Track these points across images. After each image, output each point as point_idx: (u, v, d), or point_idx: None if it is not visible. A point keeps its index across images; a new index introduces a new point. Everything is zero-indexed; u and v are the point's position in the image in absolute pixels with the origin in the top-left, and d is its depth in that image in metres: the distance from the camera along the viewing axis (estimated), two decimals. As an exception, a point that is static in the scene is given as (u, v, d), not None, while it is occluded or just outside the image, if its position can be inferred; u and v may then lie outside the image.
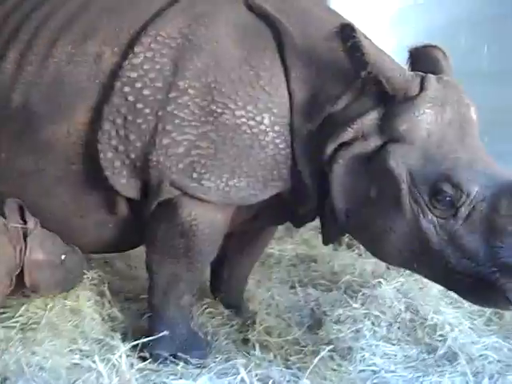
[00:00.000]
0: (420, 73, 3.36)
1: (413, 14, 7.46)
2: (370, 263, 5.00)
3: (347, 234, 5.30)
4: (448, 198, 3.12)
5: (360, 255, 5.31)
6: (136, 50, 3.43)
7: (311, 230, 5.68)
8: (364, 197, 3.33)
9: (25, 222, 3.55)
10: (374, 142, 3.31)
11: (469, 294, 3.19)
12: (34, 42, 3.57)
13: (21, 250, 3.57)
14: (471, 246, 3.06)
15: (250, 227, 4.00)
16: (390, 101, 3.31)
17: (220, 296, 4.36)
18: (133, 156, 3.45)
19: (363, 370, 3.54)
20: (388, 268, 4.90)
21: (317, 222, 5.67)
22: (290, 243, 5.52)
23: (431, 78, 3.33)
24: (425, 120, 3.24)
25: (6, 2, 3.79)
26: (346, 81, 3.40)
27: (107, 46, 3.50)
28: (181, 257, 3.60)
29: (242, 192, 3.45)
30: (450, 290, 3.38)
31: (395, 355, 3.67)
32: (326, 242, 3.79)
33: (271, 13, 3.58)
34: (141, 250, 4.79)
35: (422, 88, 3.28)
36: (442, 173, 3.15)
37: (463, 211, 3.10)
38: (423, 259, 3.20)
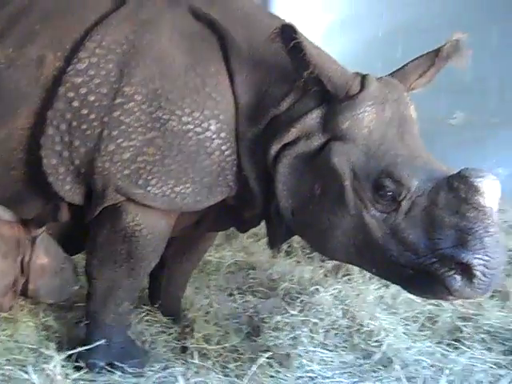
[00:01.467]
0: (360, 73, 3.45)
1: (350, 24, 7.61)
2: (308, 270, 5.07)
3: (286, 241, 5.42)
4: (389, 193, 3.22)
5: (298, 262, 5.37)
6: (80, 55, 3.40)
7: (250, 238, 5.70)
8: (309, 195, 3.39)
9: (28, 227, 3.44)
10: (316, 141, 3.38)
11: (411, 285, 3.28)
12: None
13: (23, 259, 3.52)
14: (412, 238, 3.15)
15: (192, 233, 4.00)
16: (331, 100, 3.38)
17: (158, 303, 4.32)
18: (77, 162, 3.41)
19: (301, 377, 3.57)
20: (326, 275, 4.98)
21: (256, 230, 5.74)
22: (228, 250, 5.52)
23: (371, 77, 3.43)
24: (366, 118, 3.33)
25: None
26: (289, 82, 3.46)
27: (50, 51, 3.45)
28: (122, 263, 3.57)
29: (187, 198, 3.46)
30: (394, 282, 3.46)
31: (332, 361, 3.71)
32: (271, 246, 3.83)
33: (216, 20, 3.61)
34: (77, 258, 4.74)
35: (362, 87, 3.37)
36: (384, 169, 3.24)
37: (404, 205, 3.19)
38: (367, 253, 3.28)
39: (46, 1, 3.63)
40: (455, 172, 3.14)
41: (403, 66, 3.57)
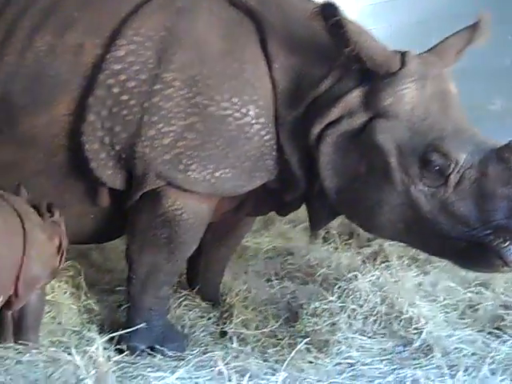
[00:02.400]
0: (399, 50, 3.45)
1: (384, 10, 7.50)
2: (346, 257, 5.05)
3: (324, 228, 5.42)
4: (437, 168, 3.24)
5: (336, 248, 5.35)
6: (119, 42, 3.43)
7: (287, 224, 5.70)
8: (353, 173, 3.42)
9: (52, 212, 3.50)
10: (359, 119, 3.41)
11: (464, 259, 3.30)
12: (12, 32, 3.52)
13: (60, 244, 3.56)
14: (464, 211, 3.18)
15: (232, 217, 4.01)
16: (372, 78, 3.40)
17: (197, 288, 4.35)
18: (118, 147, 3.44)
19: (339, 363, 3.56)
20: (363, 262, 4.95)
21: (293, 216, 5.74)
22: (266, 236, 5.53)
23: (411, 53, 3.43)
24: (408, 94, 3.35)
25: None
26: (327, 64, 3.48)
27: (88, 38, 3.48)
28: (162, 247, 3.60)
29: (227, 183, 3.49)
30: (446, 258, 3.49)
31: (371, 348, 3.70)
32: (313, 228, 3.87)
33: (252, 5, 3.61)
34: (117, 243, 4.80)
35: (402, 64, 3.38)
36: (430, 143, 3.27)
37: (453, 179, 3.21)
38: (416, 229, 3.30)
39: None
40: (503, 144, 3.14)
41: (441, 43, 3.58)
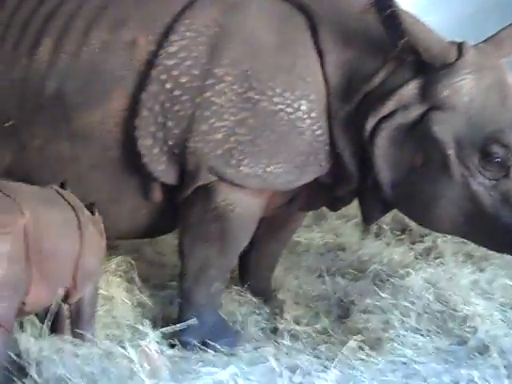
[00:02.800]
0: (455, 41, 3.42)
1: (439, 1, 7.36)
2: (398, 252, 4.97)
3: (376, 223, 5.36)
4: (498, 159, 3.22)
5: (388, 244, 5.28)
6: (171, 38, 3.46)
7: (339, 219, 5.66)
8: (409, 166, 3.41)
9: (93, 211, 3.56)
10: (415, 111, 3.39)
11: None
12: (67, 29, 3.58)
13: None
14: None
15: (283, 212, 4.02)
16: (428, 69, 3.37)
17: (248, 284, 4.35)
18: (171, 142, 3.48)
19: (392, 361, 3.52)
20: (416, 258, 4.88)
21: (344, 211, 5.69)
22: (317, 231, 5.49)
23: (467, 44, 3.39)
24: (465, 86, 3.32)
25: None
26: (380, 57, 3.46)
27: (141, 34, 3.52)
28: (214, 242, 3.63)
29: (279, 178, 3.50)
30: (505, 252, 3.46)
31: (425, 346, 3.64)
32: (366, 223, 3.91)
33: (303, 0, 3.60)
34: (170, 237, 4.85)
35: (459, 55, 3.35)
36: (490, 135, 3.24)
37: None
38: (476, 222, 3.28)
39: None
40: None
41: (498, 33, 3.52)
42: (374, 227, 5.44)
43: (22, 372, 3.09)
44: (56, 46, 3.57)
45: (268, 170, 3.47)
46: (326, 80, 3.51)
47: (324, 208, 5.32)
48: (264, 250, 4.36)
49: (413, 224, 5.44)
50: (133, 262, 4.34)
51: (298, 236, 5.15)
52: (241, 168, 3.45)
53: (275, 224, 4.24)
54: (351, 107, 3.49)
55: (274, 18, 3.56)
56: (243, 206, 3.56)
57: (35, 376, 3.02)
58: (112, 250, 4.75)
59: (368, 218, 3.87)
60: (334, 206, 4.05)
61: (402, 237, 5.39)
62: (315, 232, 5.44)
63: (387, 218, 5.04)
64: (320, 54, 3.52)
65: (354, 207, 5.76)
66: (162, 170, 3.53)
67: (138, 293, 4.12)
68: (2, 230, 2.93)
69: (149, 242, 5.03)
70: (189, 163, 3.48)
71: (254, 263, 4.39)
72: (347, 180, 3.63)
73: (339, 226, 5.59)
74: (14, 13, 3.67)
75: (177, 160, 3.51)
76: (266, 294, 4.32)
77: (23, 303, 3.04)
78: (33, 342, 3.15)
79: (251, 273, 4.41)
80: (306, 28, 3.55)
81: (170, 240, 5.04)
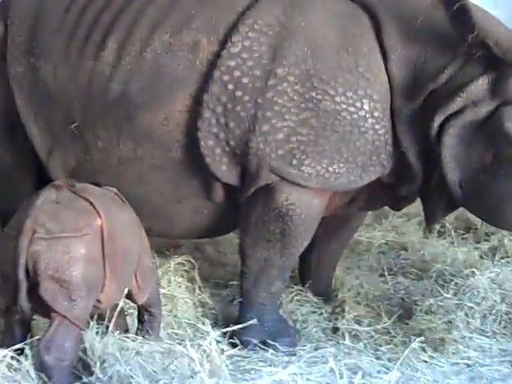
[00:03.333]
0: None
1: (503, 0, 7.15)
2: (462, 252, 4.87)
3: (439, 222, 5.25)
4: None
5: (452, 243, 5.17)
6: (234, 39, 3.48)
7: (400, 217, 5.58)
8: (479, 164, 3.36)
9: None
10: (485, 108, 3.33)
11: None
12: (132, 32, 3.63)
13: None
14: None
15: (344, 212, 4.00)
16: (499, 64, 3.29)
17: (308, 283, 4.34)
18: (232, 143, 3.51)
19: (456, 363, 3.47)
20: (481, 257, 4.78)
21: (406, 209, 5.58)
22: (378, 230, 5.42)
23: None
24: None
25: None
26: (447, 53, 3.41)
27: (204, 35, 3.54)
28: (275, 242, 3.64)
29: (341, 178, 3.50)
30: None
31: (490, 348, 3.58)
32: (429, 222, 3.85)
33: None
34: (231, 236, 4.88)
35: None
36: None
37: None
38: None
39: None
40: None
41: None
42: (437, 226, 5.35)
43: (87, 369, 3.17)
44: (120, 49, 3.62)
45: (330, 169, 3.47)
46: (389, 78, 3.48)
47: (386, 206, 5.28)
48: (325, 250, 4.33)
49: (478, 223, 5.34)
50: (194, 261, 4.38)
51: (359, 235, 5.10)
52: (303, 168, 3.46)
53: (336, 223, 4.21)
54: (416, 105, 3.45)
55: (337, 17, 3.55)
56: (304, 206, 3.56)
57: (99, 373, 3.09)
58: (174, 249, 4.85)
59: (431, 218, 3.82)
60: (397, 205, 4.00)
61: (466, 236, 5.29)
62: (377, 231, 5.37)
63: (451, 216, 4.93)
64: (384, 51, 3.49)
65: (415, 205, 5.67)
66: (224, 170, 3.56)
67: (199, 292, 4.16)
68: (79, 232, 3.05)
69: (210, 242, 5.08)
70: (250, 163, 3.50)
71: (315, 262, 4.37)
72: (411, 179, 3.59)
73: (401, 224, 5.51)
74: (80, 16, 3.75)
75: (238, 160, 3.54)
76: (326, 294, 4.30)
77: (98, 301, 3.16)
78: (97, 340, 3.22)
79: (312, 272, 4.39)
80: (369, 26, 3.53)
81: (231, 239, 5.08)
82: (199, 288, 4.20)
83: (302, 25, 3.49)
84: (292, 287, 4.28)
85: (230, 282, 4.37)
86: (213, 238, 5.02)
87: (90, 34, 3.67)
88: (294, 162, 3.46)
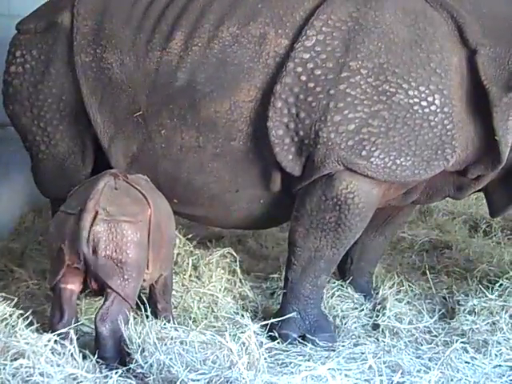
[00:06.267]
0: None
1: None
2: (509, 253, 4.78)
3: (486, 221, 5.18)
4: None
5: (498, 243, 5.09)
6: (309, 32, 3.59)
7: (445, 215, 5.50)
8: None
9: None
10: None
11: None
12: (199, 24, 3.74)
13: None
14: None
15: (397, 205, 4.02)
16: None
17: (350, 279, 4.31)
18: (302, 133, 3.59)
19: (499, 365, 3.42)
20: (528, 258, 4.67)
21: (451, 208, 5.49)
22: (422, 228, 5.36)
23: None
24: None
25: None
26: None
27: (271, 28, 3.65)
28: (328, 231, 3.66)
29: (407, 171, 3.56)
30: None
31: (535, 352, 3.49)
32: (494, 214, 4.02)
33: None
34: (272, 230, 4.89)
35: None
36: None
37: None
38: None
39: None
40: None
41: None
42: (483, 225, 5.26)
43: (128, 356, 3.22)
44: (188, 39, 3.73)
45: (397, 162, 3.53)
46: (461, 74, 3.56)
47: (431, 204, 5.20)
48: (369, 243, 4.32)
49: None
50: (235, 254, 4.40)
51: (402, 232, 5.06)
52: (372, 159, 3.52)
53: (383, 217, 4.20)
54: (510, 98, 3.51)
55: (409, 13, 3.62)
56: (363, 195, 3.60)
57: (140, 360, 3.14)
58: (216, 241, 4.87)
59: (495, 210, 3.94)
60: (458, 194, 3.99)
61: (513, 236, 5.18)
62: (420, 228, 5.32)
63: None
64: (469, 48, 3.57)
65: (461, 204, 5.59)
66: (290, 159, 3.63)
67: (239, 285, 4.19)
68: (134, 218, 3.34)
69: (252, 235, 5.10)
70: (318, 153, 3.56)
71: (358, 256, 4.35)
72: (494, 166, 3.63)
73: (445, 222, 5.44)
74: (148, 7, 3.87)
75: (305, 150, 3.60)
76: (367, 290, 4.28)
77: (144, 280, 3.44)
78: (137, 328, 3.27)
79: (354, 266, 4.37)
80: (441, 24, 3.61)
81: (273, 232, 5.09)
82: (240, 281, 4.22)
83: (375, 20, 3.59)
84: (334, 282, 4.26)
85: (271, 276, 4.38)
86: (254, 231, 5.05)
87: (157, 26, 3.80)
88: (364, 153, 3.52)
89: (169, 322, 3.59)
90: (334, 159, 3.53)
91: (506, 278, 4.07)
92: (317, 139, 3.54)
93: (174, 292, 3.89)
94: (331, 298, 4.11)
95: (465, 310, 3.90)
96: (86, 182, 3.62)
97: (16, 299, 3.65)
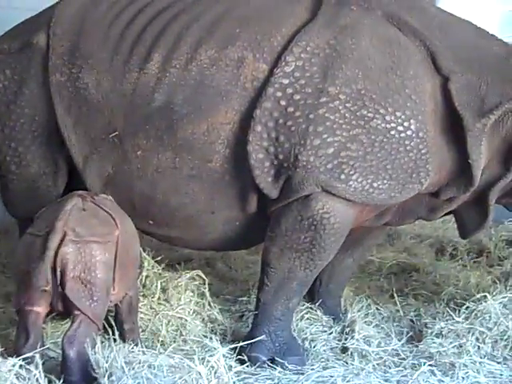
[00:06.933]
0: None
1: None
2: (475, 275, 4.84)
3: (451, 244, 5.24)
4: None
5: (464, 266, 5.15)
6: (288, 58, 3.64)
7: (413, 239, 5.55)
8: None
9: None
10: None
11: None
12: (177, 46, 3.76)
13: None
14: None
15: (368, 227, 4.07)
16: None
17: (319, 301, 4.32)
18: (281, 157, 3.62)
19: (466, 388, 3.43)
20: (494, 282, 4.73)
21: (419, 231, 5.55)
22: (390, 251, 5.40)
23: None
24: None
25: (149, 8, 3.96)
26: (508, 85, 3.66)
27: (249, 52, 3.70)
28: (303, 252, 3.68)
29: (383, 194, 3.63)
30: None
31: (501, 374, 3.55)
32: (464, 236, 4.14)
33: (415, 27, 3.76)
34: (241, 252, 4.88)
35: None
36: None
37: None
38: None
39: (242, 8, 3.88)
40: None
41: None
42: (449, 248, 5.33)
43: (94, 381, 3.16)
44: (166, 61, 3.74)
45: (374, 185, 3.60)
46: (435, 100, 3.66)
47: (398, 227, 5.25)
48: (337, 266, 4.33)
49: (491, 246, 5.31)
50: (204, 276, 4.37)
51: (371, 255, 5.08)
52: (350, 183, 3.58)
53: (352, 240, 4.20)
54: (483, 124, 3.61)
55: (384, 40, 3.71)
56: (338, 216, 3.64)
57: (107, 384, 3.09)
58: (185, 264, 4.85)
59: (465, 232, 4.06)
60: (431, 215, 4.07)
61: (478, 259, 5.26)
62: (388, 251, 5.36)
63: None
64: (443, 75, 3.67)
65: (428, 227, 5.66)
66: (269, 182, 3.65)
67: (208, 308, 4.16)
68: (102, 239, 3.35)
69: (221, 257, 5.08)
70: (297, 176, 3.59)
71: (326, 280, 4.37)
72: (465, 189, 3.73)
73: (413, 245, 5.49)
74: (126, 28, 3.88)
75: (284, 173, 3.63)
76: (335, 313, 4.28)
77: (110, 301, 3.43)
78: (105, 351, 3.22)
79: (322, 289, 4.38)
80: (414, 52, 3.70)
81: (242, 255, 5.08)
82: (209, 303, 4.19)
83: (351, 48, 3.66)
84: (303, 304, 4.25)
85: (240, 298, 4.38)
86: (223, 254, 5.03)
87: (134, 47, 3.81)
88: (342, 176, 3.57)
89: (137, 345, 3.53)
90: (313, 182, 3.57)
91: (472, 301, 4.10)
92: (296, 162, 3.57)
93: (142, 315, 3.86)
94: (300, 320, 4.12)
95: (432, 332, 3.93)
96: (52, 204, 3.59)
97: (-20, 323, 3.59)
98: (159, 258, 4.40)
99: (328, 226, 3.63)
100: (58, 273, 3.24)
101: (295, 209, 3.64)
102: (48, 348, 3.48)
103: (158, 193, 3.80)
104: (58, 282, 3.25)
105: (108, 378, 3.08)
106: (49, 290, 3.26)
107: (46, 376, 3.15)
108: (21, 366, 3.14)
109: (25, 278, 3.29)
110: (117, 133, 3.79)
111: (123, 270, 3.44)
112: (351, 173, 3.57)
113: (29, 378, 3.09)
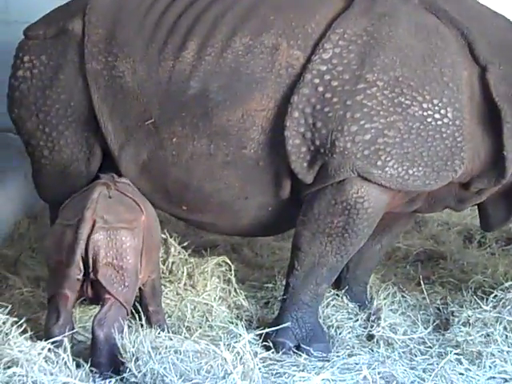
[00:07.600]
0: None
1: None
2: (503, 264, 4.78)
3: (480, 232, 5.20)
4: None
5: (493, 254, 5.09)
6: (325, 45, 3.67)
7: (441, 226, 5.50)
8: None
9: None
10: None
11: None
12: (212, 34, 3.80)
13: None
14: None
15: (399, 213, 4.08)
16: None
17: (345, 288, 4.31)
18: (318, 142, 3.65)
19: (493, 377, 3.42)
20: (523, 270, 4.67)
21: (446, 218, 5.49)
22: (417, 238, 5.36)
23: None
24: None
25: None
26: None
27: (284, 39, 3.73)
28: (335, 237, 3.70)
29: (418, 180, 3.65)
30: None
31: (529, 364, 3.49)
32: (487, 229, 4.15)
33: (453, 16, 3.77)
34: (268, 239, 4.88)
35: None
36: None
37: None
38: None
39: None
40: None
41: None
42: (477, 236, 5.27)
43: (121, 365, 3.21)
44: (201, 49, 3.78)
45: (410, 172, 3.62)
46: (472, 88, 3.67)
47: (426, 214, 5.20)
48: (365, 253, 4.30)
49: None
50: (230, 263, 4.39)
51: (397, 242, 5.05)
52: (386, 169, 3.60)
53: (381, 226, 4.18)
54: None
55: (422, 28, 3.73)
56: (372, 201, 3.65)
57: (134, 370, 3.13)
58: (211, 250, 4.87)
59: (489, 225, 4.06)
60: (459, 206, 4.07)
61: (507, 247, 5.18)
62: (415, 238, 5.31)
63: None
64: (479, 65, 3.69)
65: (456, 215, 5.60)
66: (305, 168, 3.68)
67: (234, 294, 4.18)
68: (130, 225, 3.42)
69: (247, 243, 5.09)
70: (333, 162, 3.61)
71: (354, 265, 4.34)
72: (497, 181, 3.73)
73: (440, 233, 5.43)
74: (161, 17, 3.91)
75: (320, 158, 3.65)
76: (361, 300, 4.28)
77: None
78: (131, 336, 3.26)
79: (349, 275, 4.36)
80: (452, 41, 3.72)
81: (268, 241, 5.09)
82: (235, 290, 4.21)
83: (389, 35, 3.69)
84: (329, 291, 4.24)
85: (266, 285, 4.38)
86: (249, 240, 5.04)
87: (169, 36, 3.85)
88: (379, 162, 3.59)
89: (163, 330, 3.58)
90: (349, 168, 3.60)
91: (501, 289, 4.06)
92: (333, 148, 3.60)
93: (168, 301, 3.90)
94: (326, 307, 4.11)
95: (459, 321, 3.90)
96: (77, 194, 3.64)
97: (10, 307, 3.63)
98: (185, 244, 4.44)
99: (361, 211, 3.64)
100: (91, 260, 3.31)
101: (329, 193, 3.66)
102: (76, 332, 3.53)
103: (193, 179, 3.84)
104: (91, 269, 3.32)
105: (135, 363, 3.13)
106: (80, 278, 3.33)
107: (74, 360, 3.21)
108: (49, 349, 3.20)
109: (57, 268, 3.36)
110: (152, 120, 3.83)
111: (149, 255, 3.51)
112: (388, 159, 3.59)
113: (57, 362, 3.15)
